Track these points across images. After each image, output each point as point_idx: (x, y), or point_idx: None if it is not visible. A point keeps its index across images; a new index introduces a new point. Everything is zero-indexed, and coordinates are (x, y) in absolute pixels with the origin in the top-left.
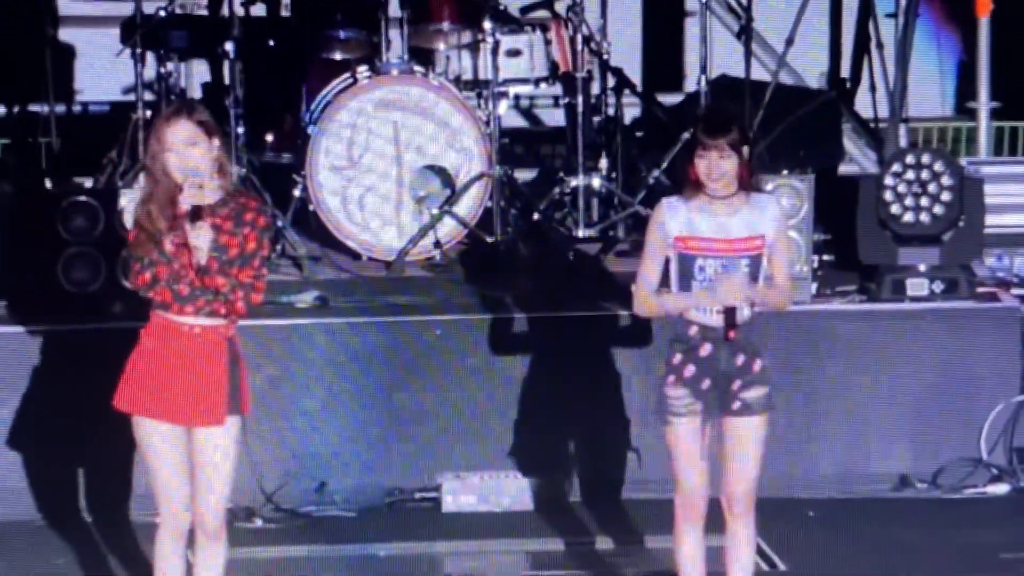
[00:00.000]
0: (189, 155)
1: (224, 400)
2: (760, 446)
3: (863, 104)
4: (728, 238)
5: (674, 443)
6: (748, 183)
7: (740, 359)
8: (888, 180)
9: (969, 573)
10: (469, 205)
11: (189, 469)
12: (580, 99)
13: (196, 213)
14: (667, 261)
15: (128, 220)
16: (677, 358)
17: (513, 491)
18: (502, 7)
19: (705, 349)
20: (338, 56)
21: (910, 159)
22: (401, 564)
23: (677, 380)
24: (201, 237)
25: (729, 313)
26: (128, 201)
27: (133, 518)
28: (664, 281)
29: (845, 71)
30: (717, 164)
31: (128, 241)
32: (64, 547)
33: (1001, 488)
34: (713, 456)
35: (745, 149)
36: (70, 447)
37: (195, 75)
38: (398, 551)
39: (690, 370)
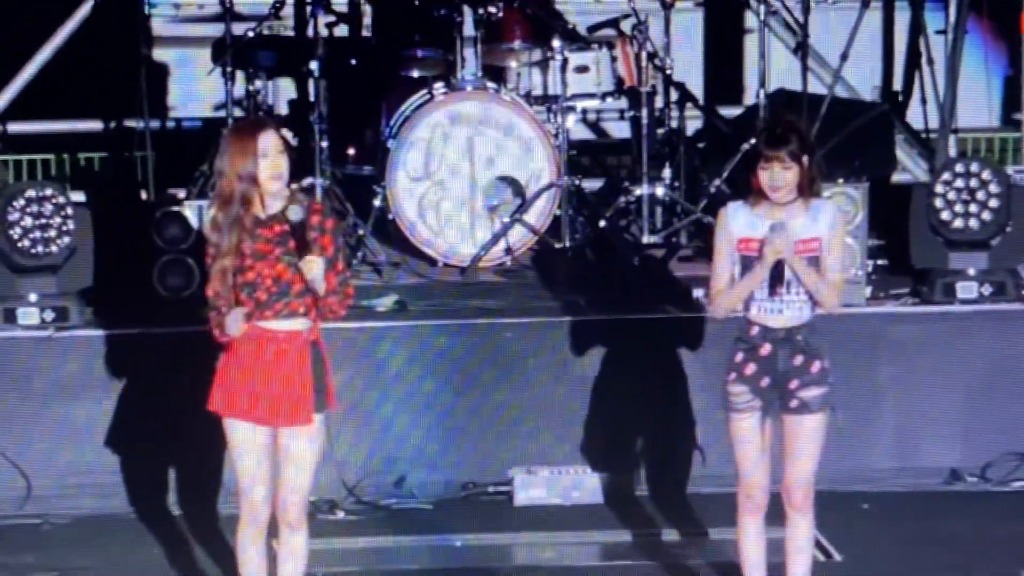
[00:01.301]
0: (281, 162)
1: (310, 400)
2: (817, 443)
3: (915, 116)
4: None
5: (736, 437)
6: (808, 190)
7: (799, 359)
8: (939, 188)
9: (1016, 564)
10: (539, 213)
11: (272, 467)
12: (644, 112)
13: (301, 239)
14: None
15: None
16: (739, 356)
17: (582, 485)
18: (570, 26)
19: (765, 349)
20: (416, 74)
21: (959, 168)
22: (476, 554)
23: (738, 377)
24: (315, 271)
25: (777, 268)
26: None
27: (220, 511)
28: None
29: (897, 85)
30: (779, 175)
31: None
32: (154, 539)
33: None
34: (775, 451)
35: (805, 158)
36: (162, 445)
37: (282, 92)
38: (473, 541)
39: (751, 368)
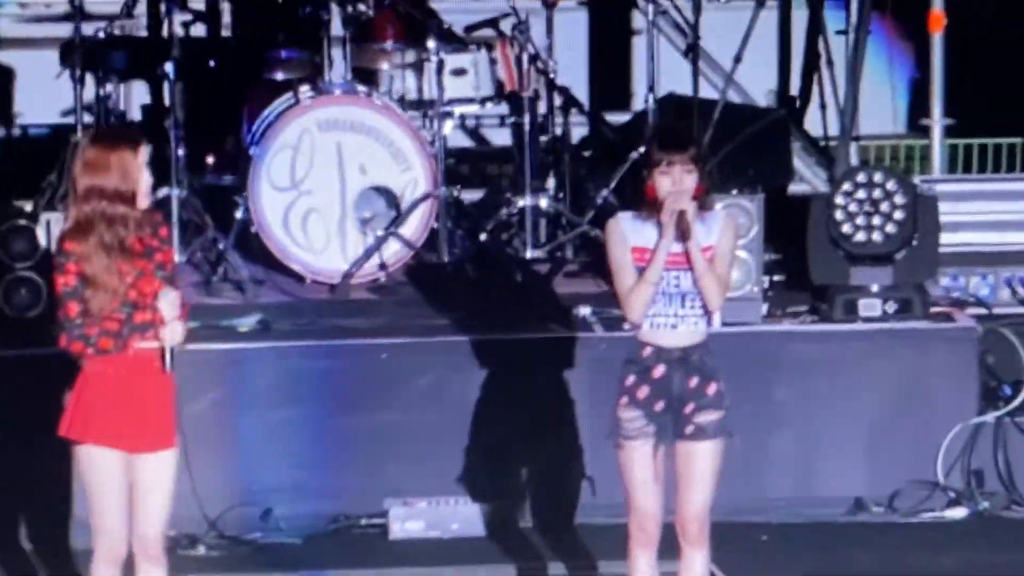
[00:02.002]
0: (149, 179)
1: (173, 423)
2: (713, 471)
3: (813, 122)
4: (679, 251)
5: (626, 466)
6: (702, 200)
7: (694, 381)
8: (839, 199)
9: None
10: (415, 226)
11: (128, 498)
12: (527, 118)
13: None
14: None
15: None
16: (631, 379)
17: (463, 517)
18: (446, 26)
19: (659, 370)
20: (280, 76)
21: (861, 177)
22: None
23: (630, 401)
24: (167, 304)
25: (680, 218)
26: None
27: (74, 545)
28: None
29: (795, 89)
30: (681, 179)
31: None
32: (5, 574)
33: (959, 512)
34: (668, 479)
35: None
36: (10, 475)
37: (135, 97)
38: None
39: (644, 391)
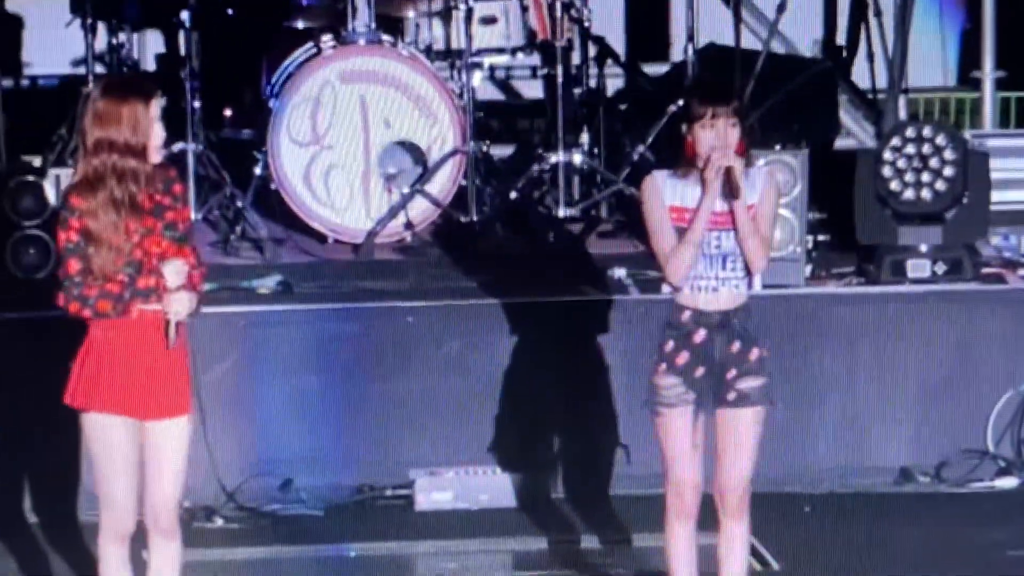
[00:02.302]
0: (161, 130)
1: (187, 388)
2: (755, 440)
3: (861, 74)
4: (722, 210)
5: (664, 435)
6: (744, 157)
7: (736, 346)
8: (887, 155)
9: (976, 572)
10: (442, 183)
11: (138, 468)
12: (560, 70)
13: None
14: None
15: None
16: (670, 345)
17: (492, 488)
18: None
19: (699, 335)
20: (301, 25)
21: (910, 132)
22: (372, 565)
23: (669, 368)
24: (172, 272)
25: (728, 176)
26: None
27: (81, 518)
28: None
29: (841, 39)
30: (726, 133)
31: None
32: (7, 550)
33: (1009, 482)
34: (706, 449)
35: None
36: (16, 444)
37: (149, 46)
38: (368, 551)
39: (683, 357)
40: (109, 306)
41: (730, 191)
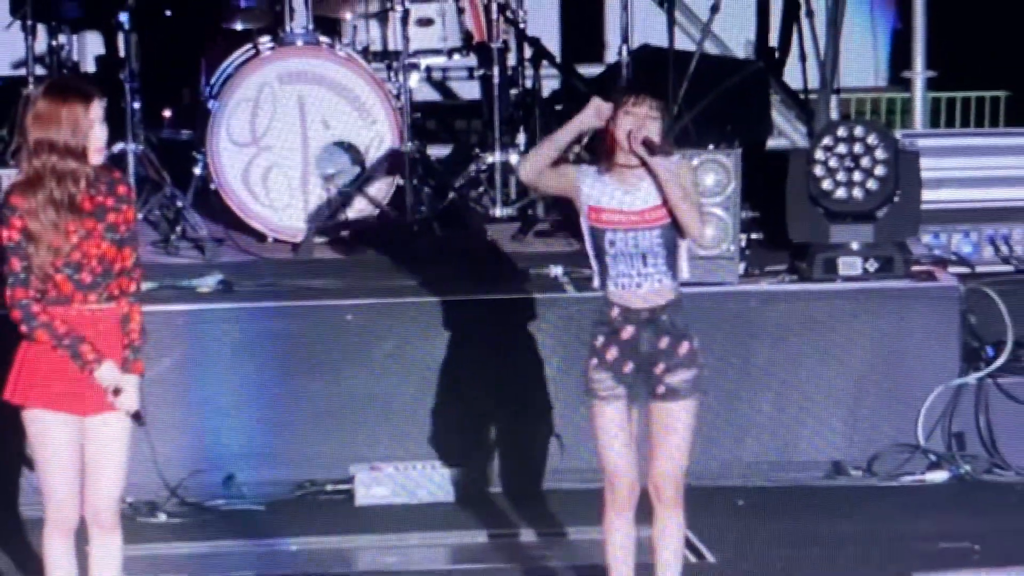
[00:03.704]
0: (104, 133)
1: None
2: (688, 432)
3: (793, 75)
4: (634, 209)
5: (599, 427)
6: (661, 151)
7: (664, 341)
8: (819, 154)
9: (907, 564)
10: (380, 183)
11: (80, 463)
12: (496, 71)
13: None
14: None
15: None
16: (599, 340)
17: (430, 482)
18: None
19: (627, 332)
20: (239, 26)
21: (842, 132)
22: (313, 559)
23: (600, 363)
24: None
25: (647, 141)
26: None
27: (24, 514)
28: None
29: (774, 40)
30: (644, 124)
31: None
32: None
33: (940, 475)
34: (642, 442)
35: (662, 123)
36: None
37: (88, 47)
38: (310, 545)
39: (612, 353)
40: (46, 338)
41: (650, 149)
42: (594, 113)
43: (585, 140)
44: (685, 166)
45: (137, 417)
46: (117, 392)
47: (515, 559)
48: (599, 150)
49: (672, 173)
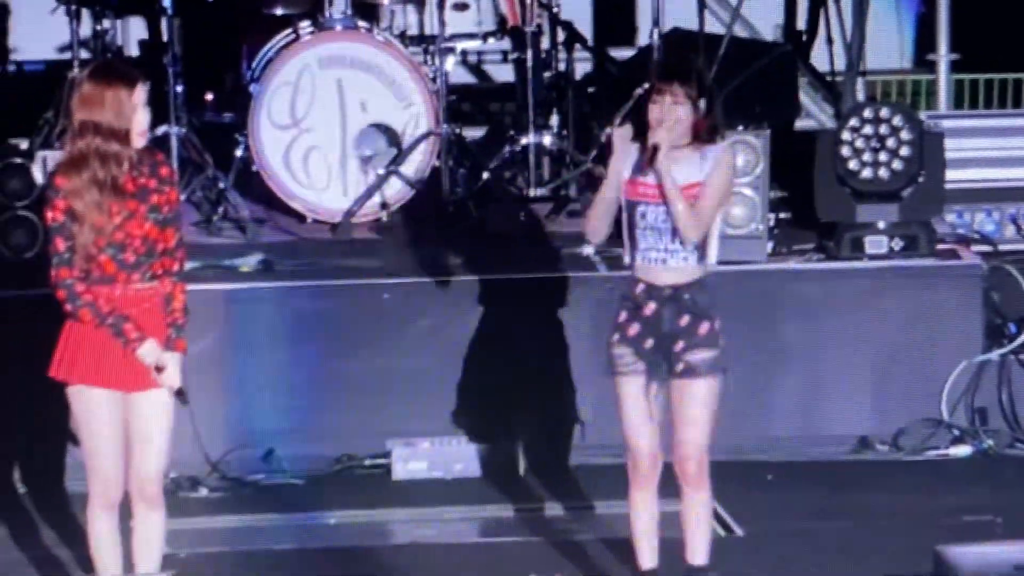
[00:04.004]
0: (146, 117)
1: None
2: (707, 409)
3: (820, 57)
4: (671, 184)
5: (620, 402)
6: (703, 135)
7: (685, 320)
8: (845, 135)
9: (932, 537)
10: (416, 164)
11: (124, 439)
12: (530, 54)
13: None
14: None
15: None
16: (623, 316)
17: (465, 457)
18: None
19: (649, 308)
20: (279, 11)
21: (868, 113)
22: (351, 532)
23: (621, 338)
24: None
25: (653, 152)
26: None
27: (69, 488)
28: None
29: (801, 23)
30: (670, 109)
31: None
32: None
33: (963, 450)
34: (665, 418)
35: (703, 102)
36: (4, 418)
37: (132, 32)
38: (348, 519)
39: (634, 328)
40: (89, 318)
41: (646, 164)
42: (620, 145)
43: (617, 122)
44: (724, 162)
45: (180, 394)
46: (160, 369)
47: (543, 532)
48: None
49: (672, 185)
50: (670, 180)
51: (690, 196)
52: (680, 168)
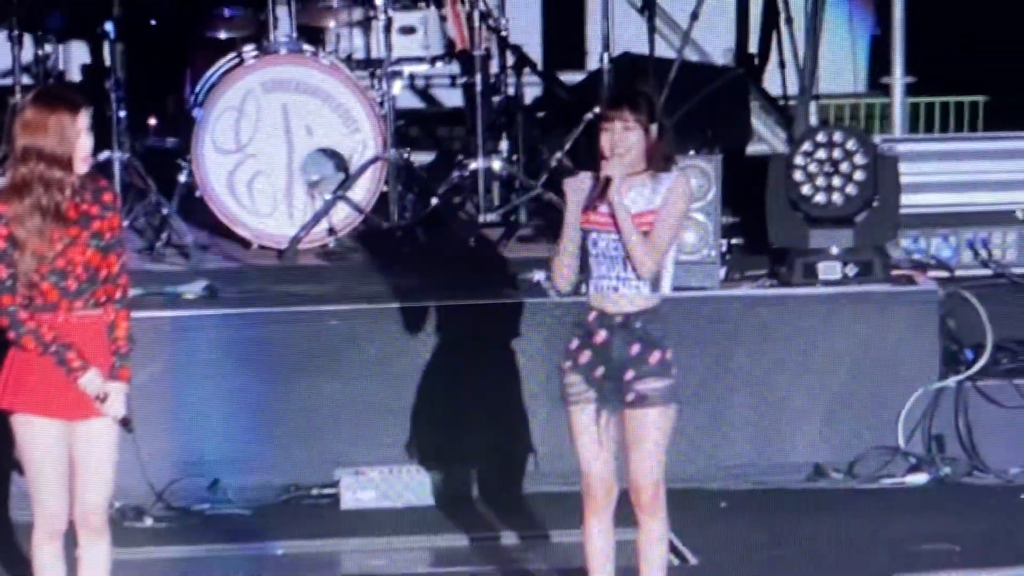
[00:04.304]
0: (90, 142)
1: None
2: (658, 439)
3: (772, 81)
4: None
5: (573, 430)
6: (656, 162)
7: (635, 348)
8: (798, 159)
9: (888, 566)
10: (364, 190)
11: (68, 468)
12: (478, 78)
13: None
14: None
15: None
16: (575, 343)
17: (414, 486)
18: None
19: (600, 336)
20: (223, 35)
21: (821, 137)
22: (300, 563)
23: (573, 366)
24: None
25: (605, 184)
26: None
27: (14, 518)
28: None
29: (753, 47)
30: (621, 137)
31: None
32: None
33: (920, 478)
34: (619, 446)
35: (654, 127)
36: None
37: (74, 57)
38: (296, 549)
39: (585, 356)
40: (32, 346)
41: (598, 197)
42: (573, 197)
43: (567, 147)
44: (679, 191)
45: (125, 423)
46: (103, 399)
47: (497, 561)
48: (594, 159)
49: (625, 217)
50: (624, 212)
51: (643, 225)
52: (632, 197)
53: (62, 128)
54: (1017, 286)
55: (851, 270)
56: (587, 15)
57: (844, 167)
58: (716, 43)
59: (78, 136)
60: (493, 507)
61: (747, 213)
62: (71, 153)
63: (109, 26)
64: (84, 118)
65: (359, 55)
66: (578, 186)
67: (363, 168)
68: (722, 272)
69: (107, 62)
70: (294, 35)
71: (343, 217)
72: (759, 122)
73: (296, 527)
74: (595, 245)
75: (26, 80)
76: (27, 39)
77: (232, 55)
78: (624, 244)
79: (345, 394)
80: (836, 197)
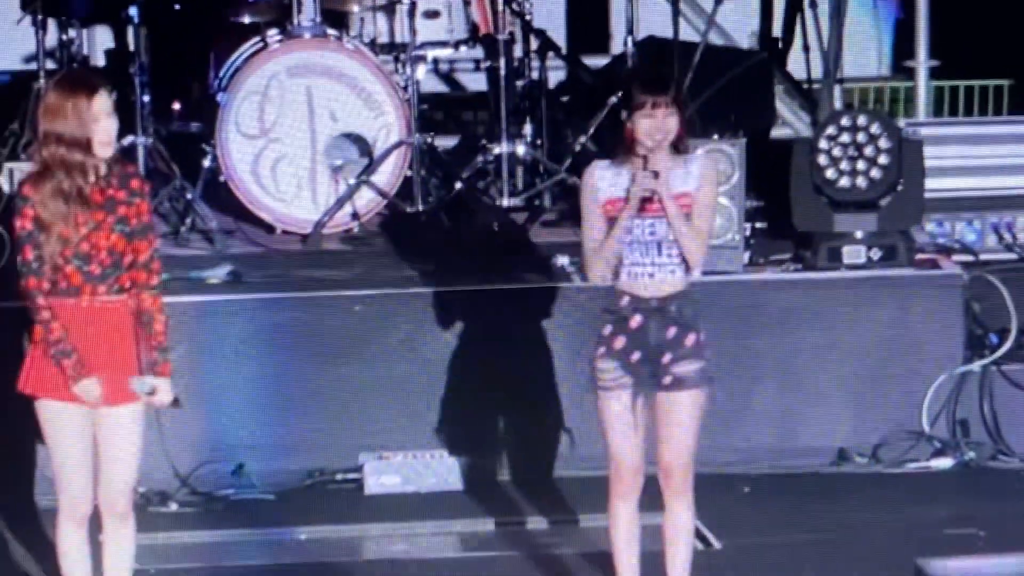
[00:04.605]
0: (112, 126)
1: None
2: (693, 421)
3: (796, 65)
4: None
5: (604, 416)
6: (682, 145)
7: (671, 331)
8: (822, 143)
9: (913, 550)
10: (388, 174)
11: (92, 453)
12: (502, 62)
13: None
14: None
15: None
16: (607, 329)
17: (439, 471)
18: None
19: (635, 320)
20: (247, 19)
21: (845, 121)
22: (323, 548)
23: (607, 352)
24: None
25: (648, 199)
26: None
27: (39, 503)
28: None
29: (777, 30)
30: (664, 123)
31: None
32: None
33: (944, 462)
34: (649, 430)
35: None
36: None
37: (98, 42)
38: (319, 534)
39: (620, 342)
40: (42, 334)
41: (640, 206)
42: (590, 195)
43: (591, 131)
44: (711, 174)
45: (176, 403)
46: (152, 394)
47: (524, 546)
48: (619, 145)
49: (674, 209)
50: (675, 207)
51: (684, 208)
52: (668, 181)
53: (79, 112)
54: None
55: (875, 254)
56: None
57: (868, 151)
58: (740, 27)
59: (95, 120)
60: (519, 492)
61: (771, 197)
62: (89, 136)
63: (133, 11)
64: (101, 100)
65: (383, 39)
66: (608, 182)
67: (387, 153)
68: (746, 256)
69: (131, 47)
70: (318, 19)
71: (367, 202)
72: (783, 106)
73: (320, 512)
74: (628, 232)
75: (50, 65)
76: (51, 24)
77: (256, 39)
78: (678, 239)
79: (369, 379)
80: (860, 181)
